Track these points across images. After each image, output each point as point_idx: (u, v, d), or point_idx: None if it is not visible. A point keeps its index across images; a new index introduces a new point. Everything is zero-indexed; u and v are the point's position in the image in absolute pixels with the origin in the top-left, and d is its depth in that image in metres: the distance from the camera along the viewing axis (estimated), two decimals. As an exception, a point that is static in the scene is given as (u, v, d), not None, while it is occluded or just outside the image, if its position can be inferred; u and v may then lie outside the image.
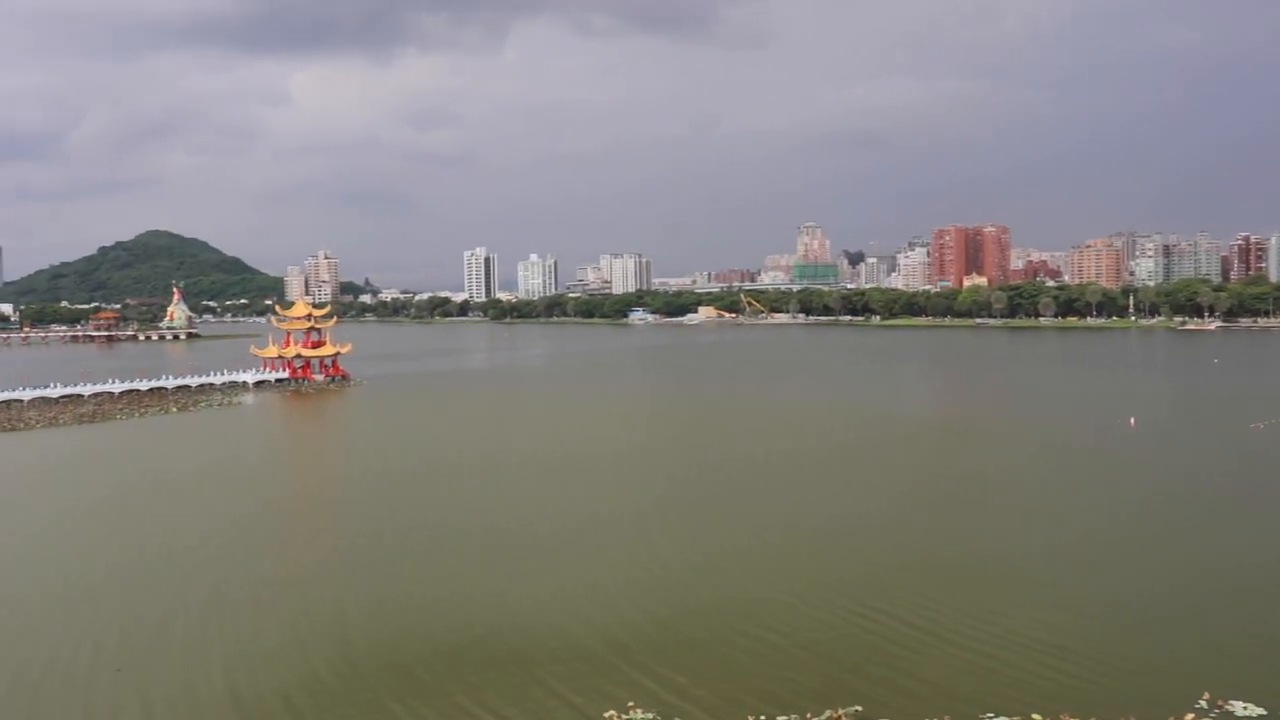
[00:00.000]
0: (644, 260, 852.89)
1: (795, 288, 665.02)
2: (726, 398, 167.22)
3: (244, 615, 54.82)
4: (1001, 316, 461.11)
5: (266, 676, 45.96)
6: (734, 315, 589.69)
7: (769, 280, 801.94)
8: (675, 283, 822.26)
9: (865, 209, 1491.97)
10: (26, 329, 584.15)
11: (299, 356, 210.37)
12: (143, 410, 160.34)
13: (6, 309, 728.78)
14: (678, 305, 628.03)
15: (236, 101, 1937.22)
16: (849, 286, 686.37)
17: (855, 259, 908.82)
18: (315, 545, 71.99)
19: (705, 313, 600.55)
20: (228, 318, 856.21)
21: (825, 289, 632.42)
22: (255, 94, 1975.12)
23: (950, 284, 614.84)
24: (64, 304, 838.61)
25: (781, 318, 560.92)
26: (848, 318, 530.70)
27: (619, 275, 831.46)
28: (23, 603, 58.36)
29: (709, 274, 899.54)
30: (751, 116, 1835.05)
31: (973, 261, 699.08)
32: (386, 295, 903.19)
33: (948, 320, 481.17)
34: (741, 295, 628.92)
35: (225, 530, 75.30)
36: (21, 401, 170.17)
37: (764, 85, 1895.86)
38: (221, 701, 43.46)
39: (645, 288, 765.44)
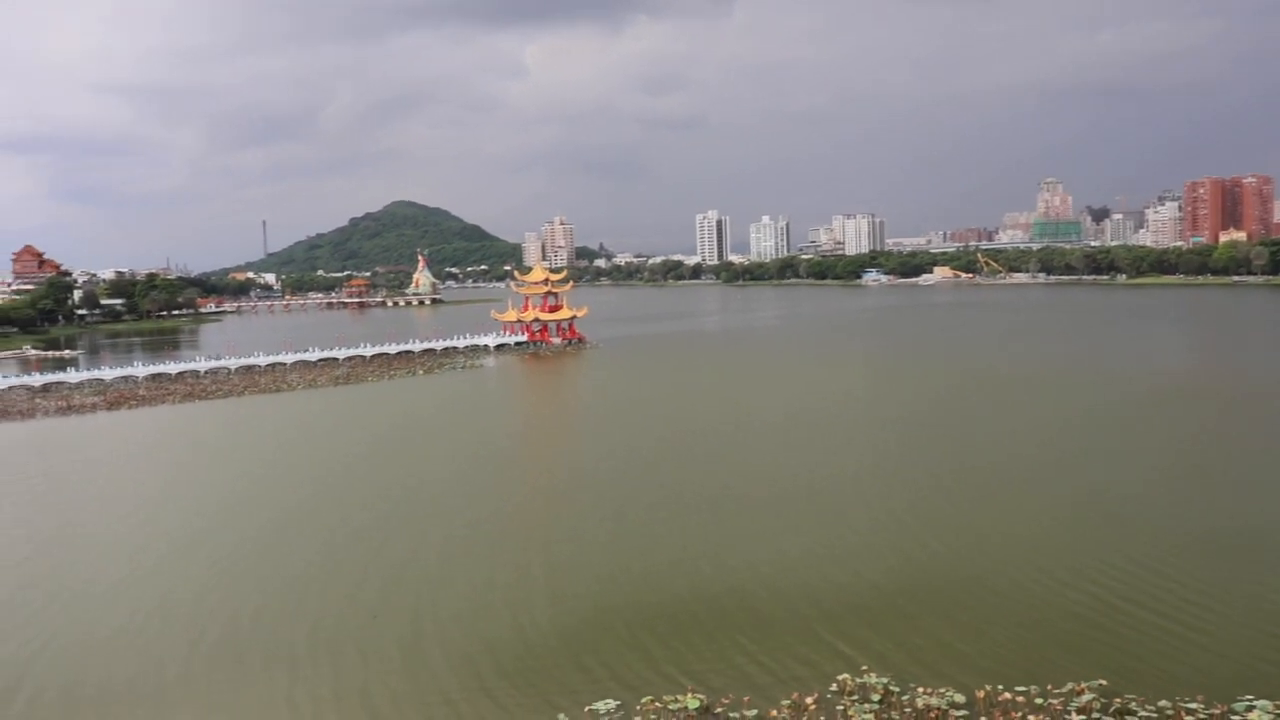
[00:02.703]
0: (877, 220, 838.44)
1: (1035, 246, 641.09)
2: (958, 359, 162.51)
3: (487, 571, 57.46)
4: (1263, 274, 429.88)
5: (513, 628, 48.28)
6: (970, 275, 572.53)
7: (1007, 239, 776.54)
8: (909, 243, 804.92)
9: (1110, 163, 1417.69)
10: (288, 297, 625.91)
11: (537, 320, 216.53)
12: (392, 373, 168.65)
13: (270, 279, 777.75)
14: (912, 266, 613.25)
15: (474, 75, 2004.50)
16: (1093, 244, 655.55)
17: (1099, 215, 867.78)
18: (555, 504, 74.39)
19: (940, 273, 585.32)
20: (469, 283, 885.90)
21: (1067, 247, 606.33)
22: (492, 67, 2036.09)
23: (1204, 240, 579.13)
24: (320, 273, 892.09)
25: (1020, 277, 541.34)
26: (1091, 277, 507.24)
27: (851, 236, 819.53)
28: (296, 544, 62.96)
29: (944, 233, 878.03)
30: (988, 69, 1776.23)
31: (1230, 215, 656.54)
32: (620, 259, 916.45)
33: (1201, 279, 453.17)
34: (978, 255, 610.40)
35: (471, 489, 78.90)
36: (285, 364, 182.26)
37: (1002, 36, 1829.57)
38: (478, 650, 45.94)
39: (878, 248, 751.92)
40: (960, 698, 38.83)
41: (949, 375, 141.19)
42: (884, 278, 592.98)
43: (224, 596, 54.73)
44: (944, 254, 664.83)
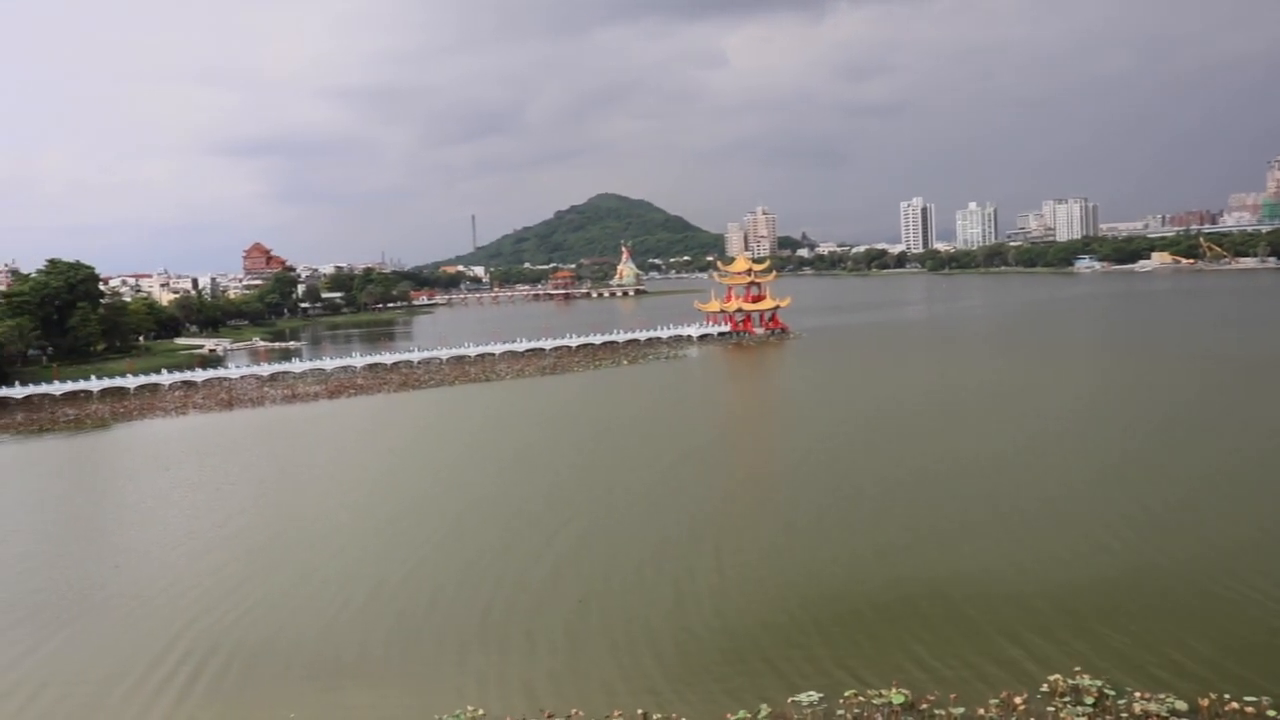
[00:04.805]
0: (1090, 205, 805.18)
1: (1264, 228, 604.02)
2: (1179, 349, 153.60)
3: (691, 559, 58.03)
4: None
5: (717, 617, 48.73)
6: (1191, 261, 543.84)
7: (1232, 221, 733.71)
8: (1124, 228, 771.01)
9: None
10: (496, 289, 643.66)
11: (740, 310, 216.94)
12: (597, 363, 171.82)
13: (479, 271, 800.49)
14: (1127, 252, 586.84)
15: (676, 66, 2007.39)
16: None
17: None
18: (758, 494, 74.62)
19: (1158, 259, 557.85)
20: (672, 274, 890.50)
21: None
22: (693, 58, 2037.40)
23: None
24: (526, 265, 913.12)
25: (1247, 262, 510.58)
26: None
27: (1062, 222, 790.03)
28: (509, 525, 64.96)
29: (1162, 217, 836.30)
30: (1213, 43, 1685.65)
31: None
32: (823, 248, 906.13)
33: None
34: (1200, 239, 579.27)
35: (675, 479, 79.85)
36: (493, 355, 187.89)
37: (1230, 5, 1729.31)
38: (690, 639, 46.38)
39: (1091, 234, 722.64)
40: (1182, 705, 37.23)
41: (1168, 367, 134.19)
42: (1097, 265, 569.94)
43: (407, 580, 57.36)
44: (1162, 239, 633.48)
